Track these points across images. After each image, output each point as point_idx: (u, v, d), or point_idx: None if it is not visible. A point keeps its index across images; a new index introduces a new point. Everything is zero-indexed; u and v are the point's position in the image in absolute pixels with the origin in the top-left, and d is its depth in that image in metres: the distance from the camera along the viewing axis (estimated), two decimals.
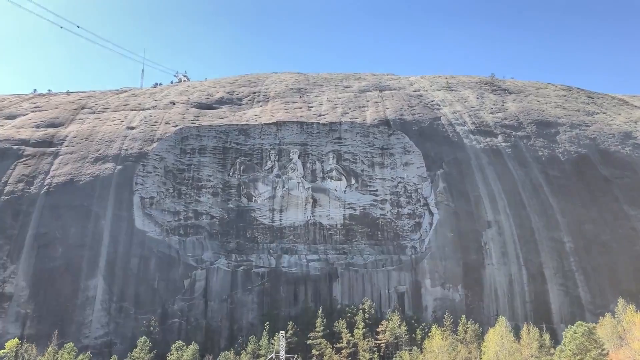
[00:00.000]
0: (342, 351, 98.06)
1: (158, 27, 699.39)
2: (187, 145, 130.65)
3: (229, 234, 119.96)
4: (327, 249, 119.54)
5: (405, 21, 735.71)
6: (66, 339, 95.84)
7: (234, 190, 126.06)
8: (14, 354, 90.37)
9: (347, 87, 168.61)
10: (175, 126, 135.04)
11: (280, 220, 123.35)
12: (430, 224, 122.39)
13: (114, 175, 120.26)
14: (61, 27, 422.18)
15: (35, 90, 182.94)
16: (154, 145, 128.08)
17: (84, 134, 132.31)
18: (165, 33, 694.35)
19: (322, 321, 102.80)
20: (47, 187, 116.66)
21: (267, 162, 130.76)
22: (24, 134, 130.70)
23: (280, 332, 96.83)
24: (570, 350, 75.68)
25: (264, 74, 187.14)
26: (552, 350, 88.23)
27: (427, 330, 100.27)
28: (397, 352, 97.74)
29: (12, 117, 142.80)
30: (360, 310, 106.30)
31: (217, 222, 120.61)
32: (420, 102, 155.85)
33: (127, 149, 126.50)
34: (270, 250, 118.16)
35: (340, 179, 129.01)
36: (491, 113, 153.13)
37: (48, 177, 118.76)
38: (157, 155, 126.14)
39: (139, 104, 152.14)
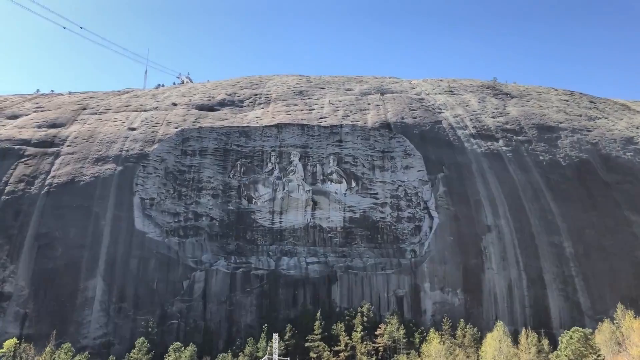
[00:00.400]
0: (340, 354, 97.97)
1: (162, 29, 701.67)
2: (187, 147, 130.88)
3: (229, 236, 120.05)
4: (326, 252, 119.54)
5: (409, 25, 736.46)
6: (65, 339, 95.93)
7: (234, 192, 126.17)
8: (12, 353, 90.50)
9: (348, 90, 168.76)
10: (176, 127, 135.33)
11: (280, 222, 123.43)
12: (430, 228, 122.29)
13: (115, 176, 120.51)
14: (64, 28, 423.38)
15: (38, 90, 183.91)
16: (155, 146, 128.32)
17: (85, 135, 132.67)
18: (169, 34, 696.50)
19: (321, 324, 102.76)
20: (47, 187, 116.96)
21: (267, 164, 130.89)
22: (26, 134, 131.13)
23: (274, 334, 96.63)
24: (566, 356, 75.54)
25: (266, 76, 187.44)
26: (550, 356, 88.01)
27: (425, 334, 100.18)
28: (395, 355, 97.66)
29: (14, 117, 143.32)
30: (359, 314, 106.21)
31: (217, 224, 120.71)
32: (422, 105, 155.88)
33: (128, 150, 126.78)
34: (270, 253, 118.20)
35: (340, 182, 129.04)
36: (492, 117, 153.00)
37: (49, 177, 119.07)
38: (157, 156, 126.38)
39: (141, 105, 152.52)
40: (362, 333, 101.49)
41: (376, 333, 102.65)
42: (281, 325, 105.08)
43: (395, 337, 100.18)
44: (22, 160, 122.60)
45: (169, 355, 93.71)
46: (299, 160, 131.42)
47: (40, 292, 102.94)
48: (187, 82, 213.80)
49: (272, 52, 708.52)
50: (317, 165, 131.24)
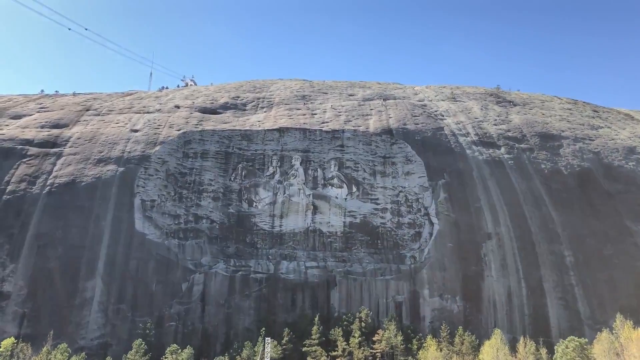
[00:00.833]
0: (337, 359, 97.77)
1: (167, 32, 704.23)
2: (189, 149, 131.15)
3: (229, 239, 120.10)
4: (326, 256, 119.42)
5: (415, 31, 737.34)
6: (62, 340, 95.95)
7: (235, 195, 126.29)
8: (9, 353, 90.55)
9: (351, 95, 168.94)
10: (178, 130, 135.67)
11: (280, 226, 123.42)
12: (430, 234, 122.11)
13: (116, 177, 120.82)
14: (69, 29, 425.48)
15: (42, 91, 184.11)
16: (157, 148, 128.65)
17: (88, 136, 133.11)
18: (174, 38, 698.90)
19: (319, 328, 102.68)
20: (49, 187, 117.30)
21: (268, 167, 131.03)
22: (29, 134, 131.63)
23: (267, 338, 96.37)
24: None
25: (269, 80, 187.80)
26: None
27: (423, 340, 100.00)
28: None
29: (17, 117, 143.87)
30: (357, 319, 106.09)
31: (217, 227, 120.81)
32: (424, 111, 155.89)
33: (129, 152, 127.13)
34: (270, 256, 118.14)
35: (341, 187, 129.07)
36: (495, 124, 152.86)
37: (50, 177, 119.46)
38: (159, 158, 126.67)
39: (144, 107, 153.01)
40: (359, 338, 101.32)
41: (374, 339, 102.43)
42: (279, 329, 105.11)
43: (393, 343, 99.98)
44: (25, 160, 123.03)
45: (165, 358, 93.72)
46: (300, 165, 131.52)
47: (39, 292, 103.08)
48: (191, 85, 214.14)
49: (277, 57, 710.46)
50: (319, 169, 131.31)
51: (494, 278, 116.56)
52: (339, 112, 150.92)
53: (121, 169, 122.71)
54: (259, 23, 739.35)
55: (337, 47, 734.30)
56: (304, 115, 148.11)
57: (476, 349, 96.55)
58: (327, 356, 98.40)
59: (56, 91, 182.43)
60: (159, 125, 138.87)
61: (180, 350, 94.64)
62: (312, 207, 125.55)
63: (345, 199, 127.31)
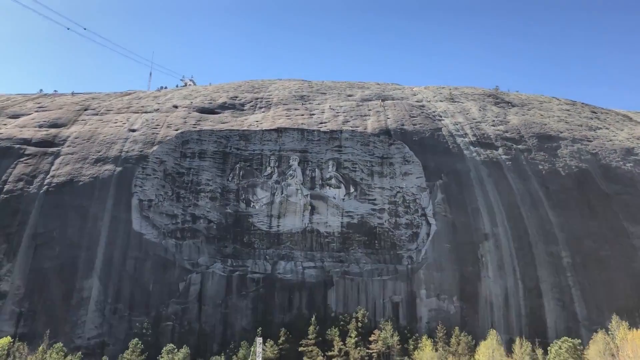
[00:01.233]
0: (334, 359, 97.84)
1: (167, 32, 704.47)
2: (187, 149, 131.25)
3: (226, 239, 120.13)
4: (323, 257, 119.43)
5: (414, 32, 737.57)
6: (59, 339, 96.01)
7: (233, 195, 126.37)
8: (6, 352, 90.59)
9: (350, 95, 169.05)
10: (176, 130, 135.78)
11: (278, 226, 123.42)
12: (428, 235, 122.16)
13: (114, 176, 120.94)
14: (68, 29, 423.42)
15: (41, 90, 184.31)
16: (155, 148, 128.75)
17: (86, 135, 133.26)
18: (174, 38, 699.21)
19: (315, 329, 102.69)
20: (46, 186, 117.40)
21: (266, 168, 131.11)
22: (26, 134, 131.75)
23: (258, 338, 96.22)
24: None
25: (268, 81, 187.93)
26: None
27: (419, 341, 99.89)
28: None
29: (15, 116, 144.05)
30: (354, 319, 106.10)
31: (215, 227, 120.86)
32: (422, 112, 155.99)
33: (127, 151, 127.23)
34: (267, 256, 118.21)
35: (339, 187, 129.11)
36: (493, 125, 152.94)
37: (48, 176, 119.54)
38: (157, 158, 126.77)
39: (142, 106, 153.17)
40: (356, 339, 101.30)
41: (370, 339, 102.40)
42: (276, 329, 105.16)
43: (390, 344, 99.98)
44: (22, 159, 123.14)
45: (161, 357, 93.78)
46: (298, 165, 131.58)
47: (36, 291, 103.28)
48: (190, 85, 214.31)
49: (277, 57, 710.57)
50: (316, 170, 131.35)
51: (491, 279, 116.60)
52: (337, 112, 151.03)
53: (119, 168, 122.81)
54: (258, 23, 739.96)
55: (337, 47, 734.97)
56: (302, 115, 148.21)
57: (472, 349, 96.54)
58: (324, 356, 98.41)
59: (55, 91, 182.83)
60: (157, 125, 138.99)
61: (176, 350, 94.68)
62: (309, 207, 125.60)
63: (343, 199, 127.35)
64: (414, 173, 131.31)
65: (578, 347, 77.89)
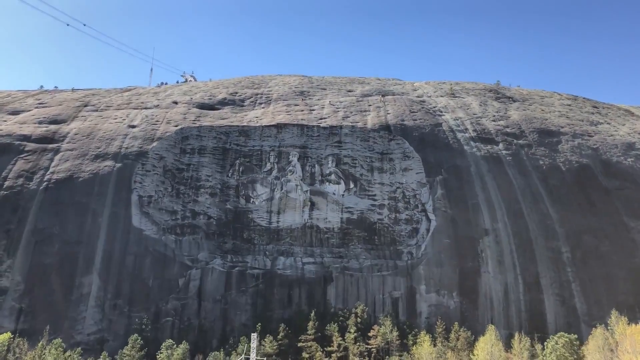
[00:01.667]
0: (333, 355, 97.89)
1: (168, 28, 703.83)
2: (187, 145, 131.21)
3: (226, 235, 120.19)
4: (323, 252, 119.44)
5: (415, 27, 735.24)
6: (59, 335, 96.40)
7: (232, 191, 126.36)
8: (6, 347, 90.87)
9: (350, 91, 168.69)
10: (176, 126, 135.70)
11: (278, 222, 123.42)
12: (428, 230, 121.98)
13: (113, 173, 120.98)
14: (67, 25, 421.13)
15: (41, 86, 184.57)
16: (154, 144, 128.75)
17: (86, 132, 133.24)
18: (174, 34, 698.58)
19: (314, 324, 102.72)
20: (46, 183, 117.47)
21: (266, 163, 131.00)
22: (26, 130, 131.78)
23: (252, 334, 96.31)
24: None
25: (268, 76, 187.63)
26: None
27: (418, 336, 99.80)
28: (388, 357, 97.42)
29: (15, 112, 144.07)
30: (353, 315, 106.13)
31: (214, 223, 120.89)
32: (422, 107, 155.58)
33: (127, 147, 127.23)
34: (266, 252, 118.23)
35: (338, 183, 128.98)
36: (493, 120, 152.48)
37: (48, 173, 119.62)
38: (156, 154, 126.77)
39: (142, 102, 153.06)
40: (355, 334, 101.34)
41: (369, 334, 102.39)
42: (275, 324, 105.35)
43: (389, 339, 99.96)
44: (22, 155, 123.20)
45: (161, 353, 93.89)
46: (298, 161, 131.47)
47: (36, 288, 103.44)
48: (191, 81, 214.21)
49: (277, 53, 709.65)
50: (316, 165, 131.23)
51: (491, 274, 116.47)
52: (337, 108, 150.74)
53: (118, 164, 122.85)
54: (259, 19, 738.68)
55: (337, 43, 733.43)
56: (302, 111, 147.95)
57: (471, 344, 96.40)
58: (323, 352, 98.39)
59: (55, 87, 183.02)
60: (157, 121, 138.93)
61: (175, 346, 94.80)
62: (309, 203, 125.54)
63: (343, 195, 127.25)
64: (414, 168, 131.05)
65: (574, 342, 77.72)
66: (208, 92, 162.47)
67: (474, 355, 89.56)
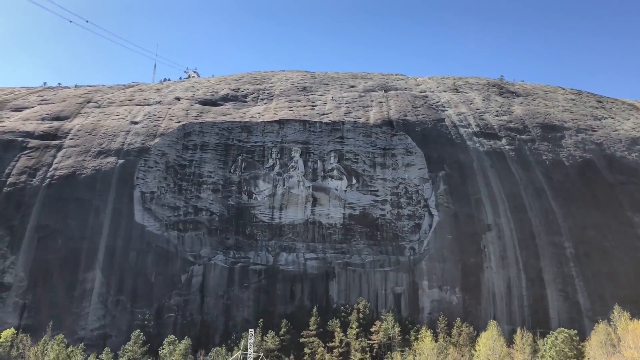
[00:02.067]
0: (334, 350, 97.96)
1: (171, 25, 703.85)
2: (189, 141, 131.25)
3: (228, 231, 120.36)
4: (325, 248, 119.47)
5: (418, 22, 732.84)
6: (62, 331, 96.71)
7: (235, 187, 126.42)
8: (9, 343, 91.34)
9: (352, 86, 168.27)
10: (178, 122, 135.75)
11: (280, 218, 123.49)
12: (430, 226, 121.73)
13: (116, 169, 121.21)
14: (70, 22, 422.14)
15: (45, 83, 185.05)
16: (157, 140, 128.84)
17: (88, 128, 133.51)
18: (178, 30, 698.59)
19: (316, 320, 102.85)
20: (49, 179, 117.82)
21: (268, 159, 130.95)
22: (29, 127, 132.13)
23: (250, 330, 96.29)
24: (550, 357, 74.75)
25: (270, 72, 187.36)
26: (534, 357, 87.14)
27: (420, 332, 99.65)
28: (389, 353, 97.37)
29: (19, 109, 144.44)
30: (355, 310, 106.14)
31: (217, 219, 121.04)
32: (425, 103, 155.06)
33: (129, 144, 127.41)
34: (269, 248, 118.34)
35: (341, 179, 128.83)
36: (496, 116, 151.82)
37: (51, 169, 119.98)
38: (159, 150, 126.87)
39: (144, 99, 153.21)
40: (357, 330, 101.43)
41: (371, 330, 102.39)
42: (278, 320, 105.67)
43: (391, 335, 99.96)
44: (25, 152, 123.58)
45: (163, 348, 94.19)
46: (300, 157, 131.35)
47: (40, 284, 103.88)
48: (194, 77, 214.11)
49: (280, 49, 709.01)
50: (318, 161, 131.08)
51: (494, 269, 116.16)
52: (340, 103, 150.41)
53: (121, 161, 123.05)
54: (262, 16, 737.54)
55: (340, 40, 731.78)
56: (304, 107, 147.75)
57: (474, 340, 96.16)
58: (325, 347, 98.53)
59: (59, 83, 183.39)
60: (159, 117, 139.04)
61: (178, 341, 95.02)
62: (311, 199, 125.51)
63: (345, 190, 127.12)
64: (417, 164, 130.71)
65: (574, 337, 77.35)
66: (210, 88, 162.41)
67: (475, 350, 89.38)
